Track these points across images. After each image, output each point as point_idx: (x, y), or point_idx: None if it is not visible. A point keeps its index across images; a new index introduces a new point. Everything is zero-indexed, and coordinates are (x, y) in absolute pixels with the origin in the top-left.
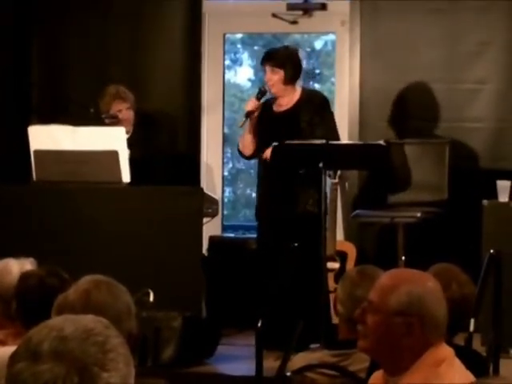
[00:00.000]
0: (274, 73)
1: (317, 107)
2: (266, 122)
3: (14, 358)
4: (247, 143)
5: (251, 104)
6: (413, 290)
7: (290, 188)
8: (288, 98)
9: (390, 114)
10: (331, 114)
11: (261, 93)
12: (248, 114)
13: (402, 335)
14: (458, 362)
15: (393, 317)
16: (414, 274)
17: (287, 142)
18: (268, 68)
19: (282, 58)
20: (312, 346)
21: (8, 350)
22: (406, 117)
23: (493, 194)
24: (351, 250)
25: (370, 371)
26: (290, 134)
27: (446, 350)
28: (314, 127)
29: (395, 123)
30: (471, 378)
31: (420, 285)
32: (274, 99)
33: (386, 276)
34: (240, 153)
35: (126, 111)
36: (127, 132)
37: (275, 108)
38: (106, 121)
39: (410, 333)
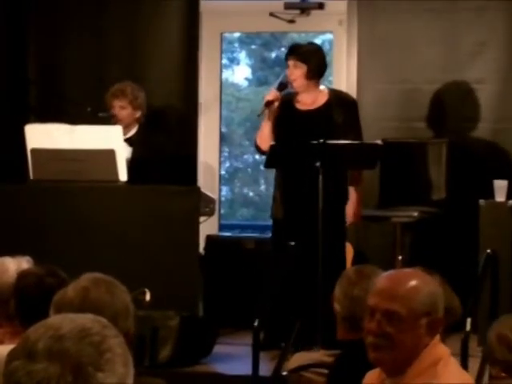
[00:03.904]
0: (297, 67)
1: (349, 109)
2: (289, 118)
3: (11, 355)
4: (265, 136)
5: (271, 94)
6: (431, 290)
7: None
8: (312, 96)
9: (387, 113)
10: (359, 118)
11: (282, 84)
12: (267, 104)
13: (424, 335)
14: (453, 361)
15: (419, 319)
16: (421, 274)
17: (321, 140)
18: (291, 62)
19: (305, 53)
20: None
21: (5, 349)
22: (404, 116)
23: (490, 193)
24: (348, 249)
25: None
26: (321, 133)
27: (442, 349)
28: (346, 129)
29: (393, 123)
30: (467, 377)
31: (432, 284)
32: (293, 96)
33: (393, 282)
34: (257, 148)
35: (119, 109)
36: (124, 133)
37: (298, 106)
38: (107, 119)
39: (430, 331)
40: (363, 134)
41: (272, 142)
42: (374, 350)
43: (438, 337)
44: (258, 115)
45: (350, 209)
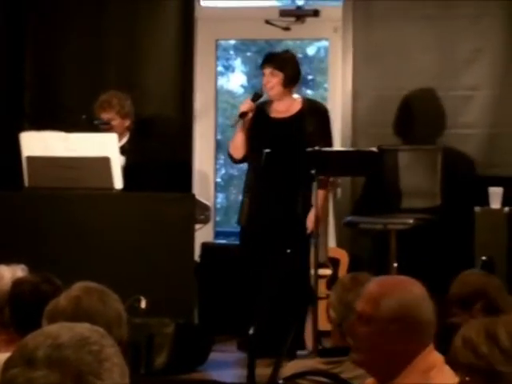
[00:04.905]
0: (274, 75)
1: (321, 118)
2: (262, 126)
3: (8, 363)
4: (238, 145)
5: (246, 105)
6: (402, 296)
7: (284, 193)
8: (286, 105)
9: (382, 120)
10: (330, 127)
11: (257, 95)
12: (242, 115)
13: (395, 342)
14: (447, 368)
15: (387, 324)
16: (400, 281)
17: (284, 149)
18: (267, 70)
19: (281, 61)
20: (299, 352)
21: (1, 357)
22: (399, 123)
23: (485, 200)
24: (343, 256)
25: None
26: (292, 142)
27: (435, 356)
28: (316, 138)
29: (388, 129)
30: None
31: (408, 290)
32: (267, 104)
33: (373, 285)
34: (230, 156)
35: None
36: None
37: (272, 114)
38: (102, 127)
39: (402, 339)
40: (358, 141)
41: (243, 152)
42: (352, 351)
43: (431, 345)
44: (232, 125)
45: (312, 215)
